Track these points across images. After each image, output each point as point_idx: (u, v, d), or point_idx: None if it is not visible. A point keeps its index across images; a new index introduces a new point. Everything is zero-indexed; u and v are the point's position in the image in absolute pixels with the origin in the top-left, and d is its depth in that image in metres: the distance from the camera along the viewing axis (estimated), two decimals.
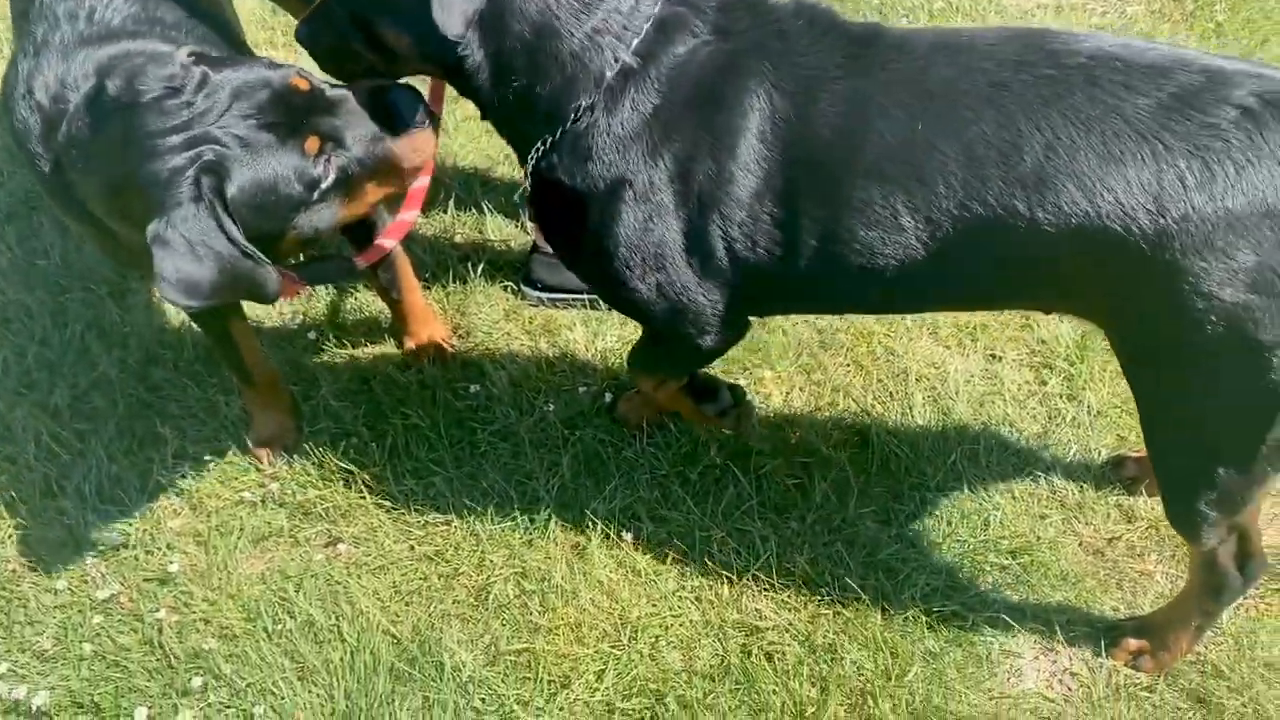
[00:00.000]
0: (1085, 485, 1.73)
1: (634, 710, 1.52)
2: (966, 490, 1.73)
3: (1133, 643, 1.54)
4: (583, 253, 1.42)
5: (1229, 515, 1.32)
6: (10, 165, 2.34)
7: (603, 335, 1.97)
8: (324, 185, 1.33)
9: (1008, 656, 1.56)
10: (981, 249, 1.24)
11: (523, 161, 1.40)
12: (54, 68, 1.43)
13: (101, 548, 1.70)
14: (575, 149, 1.33)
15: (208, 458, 1.81)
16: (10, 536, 1.73)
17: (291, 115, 1.31)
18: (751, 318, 1.53)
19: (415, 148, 1.40)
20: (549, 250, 1.79)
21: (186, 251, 1.23)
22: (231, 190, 1.26)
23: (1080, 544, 1.67)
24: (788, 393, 1.88)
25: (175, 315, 2.02)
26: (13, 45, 1.60)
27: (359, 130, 1.35)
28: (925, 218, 1.23)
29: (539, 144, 1.35)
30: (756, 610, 1.61)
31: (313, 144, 1.31)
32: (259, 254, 1.28)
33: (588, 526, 1.70)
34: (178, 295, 1.24)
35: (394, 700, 1.53)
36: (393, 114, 1.37)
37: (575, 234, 1.40)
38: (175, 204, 1.23)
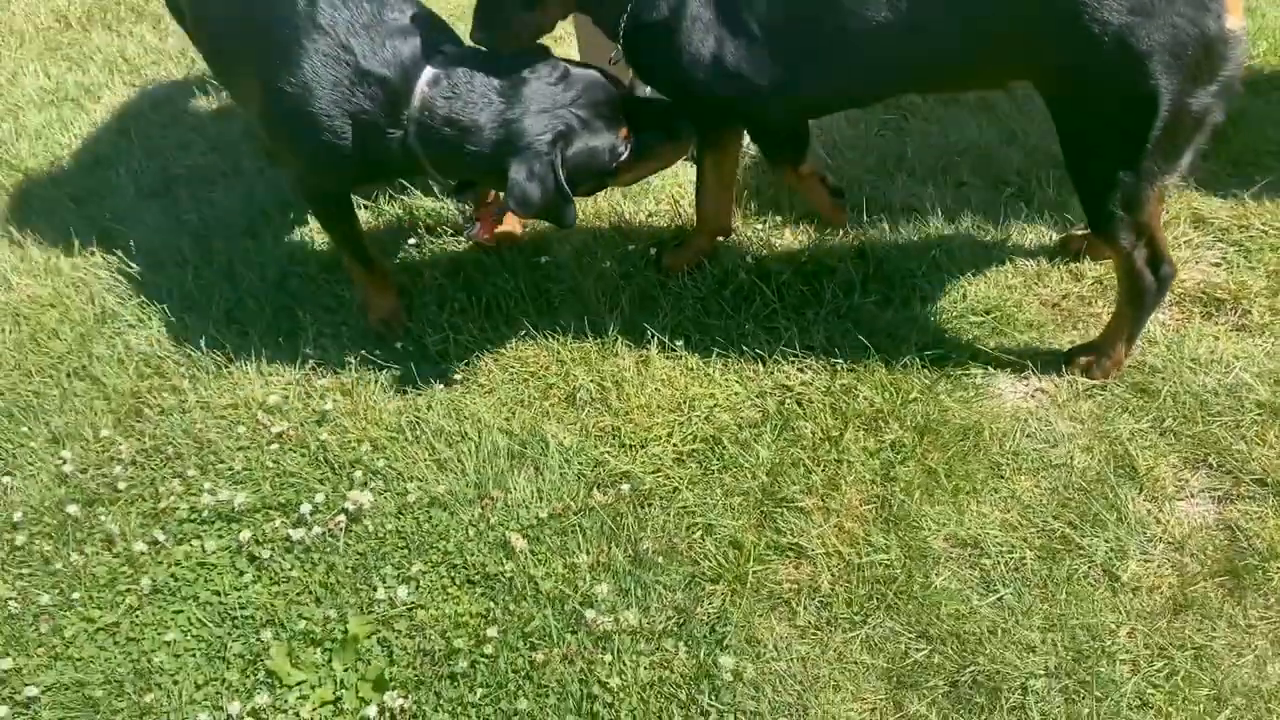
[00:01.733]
0: (1041, 260, 2.15)
1: (699, 451, 1.95)
2: (946, 276, 2.15)
3: (1083, 358, 1.95)
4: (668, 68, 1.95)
5: (1134, 214, 1.74)
6: (147, 157, 2.88)
7: (645, 208, 2.43)
8: (620, 160, 1.94)
9: (989, 382, 1.97)
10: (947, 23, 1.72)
11: (614, 37, 1.96)
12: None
13: (268, 404, 2.17)
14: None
15: (342, 333, 2.29)
16: (192, 404, 2.20)
17: (614, 111, 1.92)
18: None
19: (673, 154, 2.08)
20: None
21: (533, 180, 1.83)
22: (570, 151, 1.87)
23: (1040, 301, 2.09)
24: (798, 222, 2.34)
25: (305, 239, 2.52)
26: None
27: (651, 132, 1.98)
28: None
29: (621, 16, 1.92)
30: (785, 375, 2.04)
31: (624, 133, 1.93)
32: (569, 194, 1.87)
33: (648, 341, 2.14)
34: (516, 204, 1.85)
35: (513, 471, 1.97)
36: (669, 126, 2.01)
37: (661, 59, 1.94)
38: (538, 150, 1.84)
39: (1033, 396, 1.95)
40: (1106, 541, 1.72)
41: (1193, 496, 1.77)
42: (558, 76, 1.91)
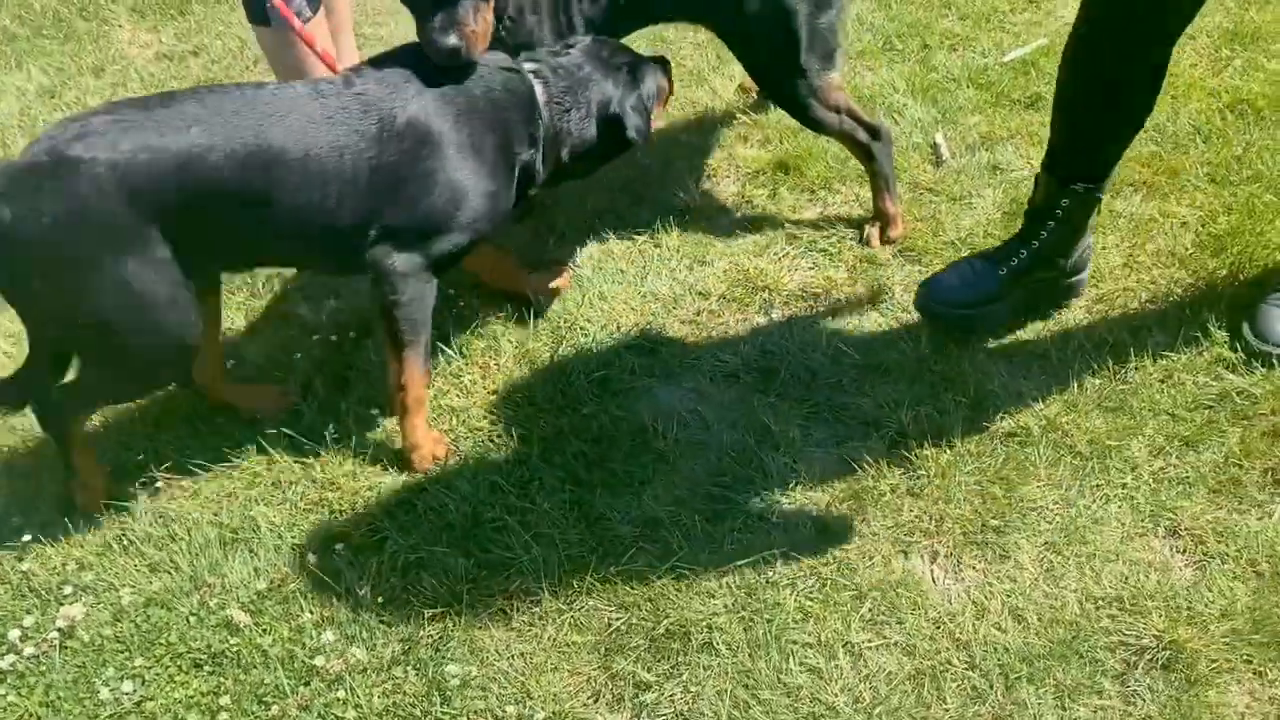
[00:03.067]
0: (675, 288, 2.51)
1: (405, 500, 2.11)
2: (601, 315, 2.46)
3: (873, 233, 2.53)
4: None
5: (821, 99, 2.42)
6: None
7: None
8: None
9: (649, 389, 2.28)
10: None
11: None
12: None
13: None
14: None
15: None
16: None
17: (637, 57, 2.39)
18: None
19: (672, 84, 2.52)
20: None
21: (640, 113, 2.30)
22: (644, 88, 2.34)
23: (679, 321, 2.44)
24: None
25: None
26: None
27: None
28: None
29: None
30: (481, 415, 2.27)
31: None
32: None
33: (344, 415, 2.30)
34: (640, 135, 2.30)
35: (227, 557, 2.05)
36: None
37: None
38: (636, 95, 2.32)
39: (686, 395, 2.26)
40: (758, 495, 2.04)
41: (818, 446, 2.12)
42: (588, 44, 2.31)
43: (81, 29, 3.89)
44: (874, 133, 2.49)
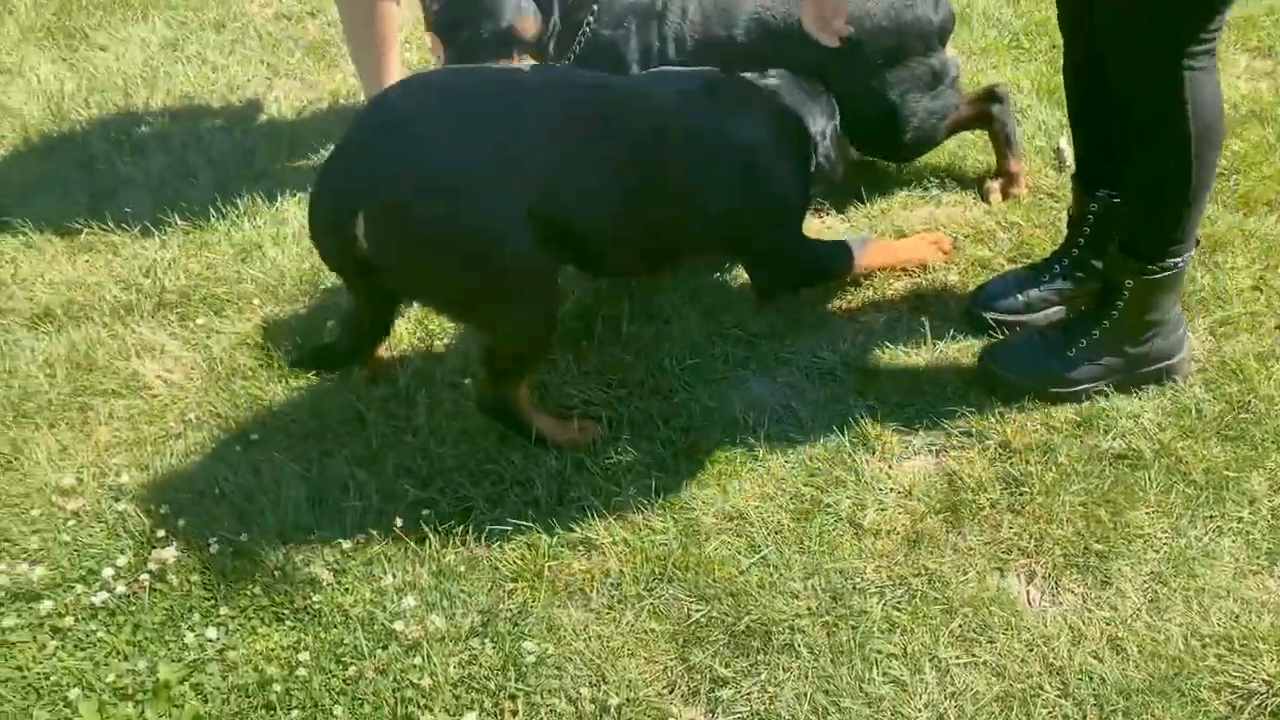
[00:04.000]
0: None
1: (490, 471, 2.11)
2: (695, 305, 2.43)
3: (994, 185, 2.55)
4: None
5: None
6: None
7: None
8: None
9: (742, 380, 2.24)
10: None
11: None
12: None
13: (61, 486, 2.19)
14: None
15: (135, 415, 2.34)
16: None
17: None
18: None
19: None
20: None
21: None
22: None
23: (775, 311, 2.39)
24: None
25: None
26: None
27: None
28: None
29: None
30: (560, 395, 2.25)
31: None
32: None
33: (436, 384, 2.31)
34: None
35: (315, 514, 2.07)
36: None
37: None
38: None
39: (779, 390, 2.22)
40: (849, 498, 1.98)
41: (916, 454, 2.06)
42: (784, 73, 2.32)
43: None
44: (989, 96, 2.50)
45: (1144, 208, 1.95)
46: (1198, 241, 2.00)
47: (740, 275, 2.46)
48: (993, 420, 2.07)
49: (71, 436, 2.28)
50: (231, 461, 2.18)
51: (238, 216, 2.82)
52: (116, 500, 2.13)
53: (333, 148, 2.00)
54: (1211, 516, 1.89)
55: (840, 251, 2.30)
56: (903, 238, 2.49)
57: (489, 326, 2.04)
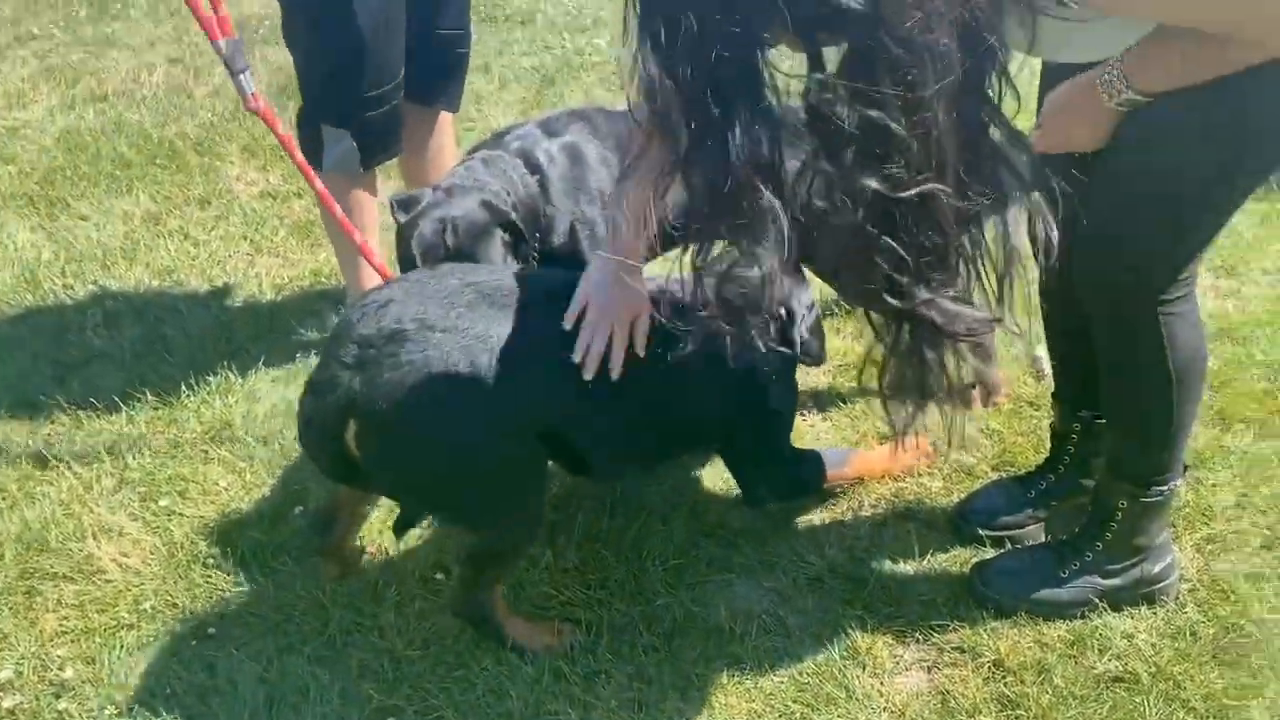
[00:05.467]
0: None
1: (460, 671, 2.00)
2: (676, 502, 2.38)
3: (976, 394, 2.47)
4: None
5: None
6: None
7: None
8: None
9: (727, 585, 2.17)
10: None
11: None
12: None
13: None
14: None
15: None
16: None
17: None
18: None
19: None
20: None
21: None
22: None
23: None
24: None
25: None
26: None
27: None
28: None
29: None
30: (537, 593, 2.16)
31: None
32: None
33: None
34: None
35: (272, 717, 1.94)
36: None
37: None
38: None
39: (765, 596, 2.15)
40: (840, 717, 1.89)
41: (907, 669, 1.98)
42: None
43: (194, 162, 4.04)
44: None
45: (1129, 438, 1.96)
46: (1186, 466, 2.00)
47: (722, 471, 2.42)
48: (985, 635, 2.01)
49: (14, 623, 2.14)
50: (185, 657, 2.06)
51: (210, 394, 2.77)
52: (57, 697, 1.99)
53: (323, 351, 1.96)
54: None
55: (823, 460, 2.28)
56: (885, 441, 2.48)
57: (473, 528, 1.97)
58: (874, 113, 1.23)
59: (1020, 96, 1.34)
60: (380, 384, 1.79)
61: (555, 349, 1.87)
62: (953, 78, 1.23)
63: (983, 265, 1.40)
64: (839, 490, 2.36)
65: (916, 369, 1.45)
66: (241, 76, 2.38)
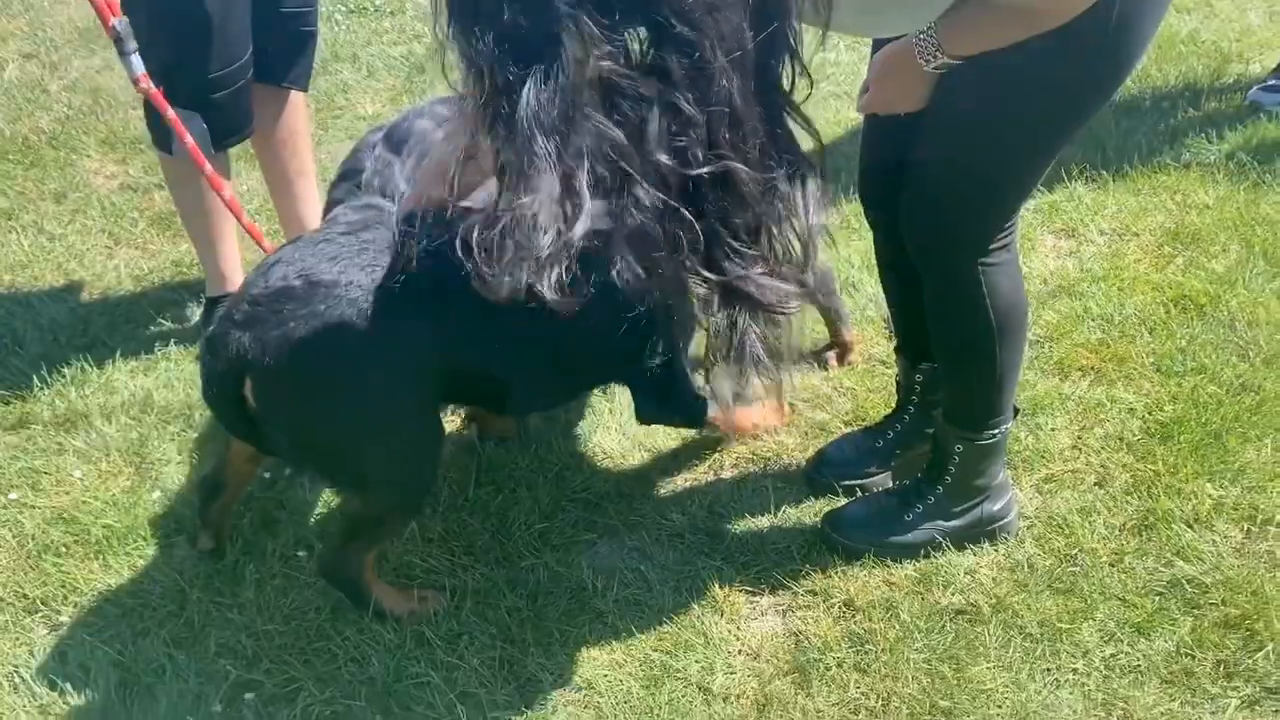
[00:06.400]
0: (623, 440, 2.47)
1: (321, 649, 1.99)
2: (544, 474, 2.41)
3: (831, 355, 2.63)
4: None
5: None
6: None
7: None
8: None
9: (591, 545, 2.20)
10: None
11: None
12: None
13: None
14: None
15: None
16: None
17: None
18: None
19: None
20: None
21: None
22: None
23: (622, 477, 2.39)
24: None
25: None
26: None
27: None
28: None
29: None
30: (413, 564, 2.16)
31: None
32: None
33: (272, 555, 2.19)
34: None
35: (126, 704, 1.90)
36: None
37: None
38: None
39: (628, 554, 2.19)
40: (698, 662, 1.94)
41: (763, 614, 2.05)
42: None
43: (49, 156, 3.90)
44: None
45: (959, 386, 2.06)
46: (1016, 410, 2.11)
47: (590, 435, 2.46)
48: (836, 578, 2.09)
49: None
50: (35, 646, 2.00)
51: (64, 385, 2.69)
52: None
53: (219, 312, 1.93)
54: (1049, 669, 1.92)
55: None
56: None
57: (362, 489, 1.96)
58: (663, 88, 1.27)
59: (812, 77, 1.39)
60: (268, 340, 1.78)
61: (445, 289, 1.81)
62: (739, 53, 1.28)
63: (789, 239, 1.45)
64: (709, 446, 2.41)
65: (738, 339, 1.50)
66: (130, 57, 2.34)
